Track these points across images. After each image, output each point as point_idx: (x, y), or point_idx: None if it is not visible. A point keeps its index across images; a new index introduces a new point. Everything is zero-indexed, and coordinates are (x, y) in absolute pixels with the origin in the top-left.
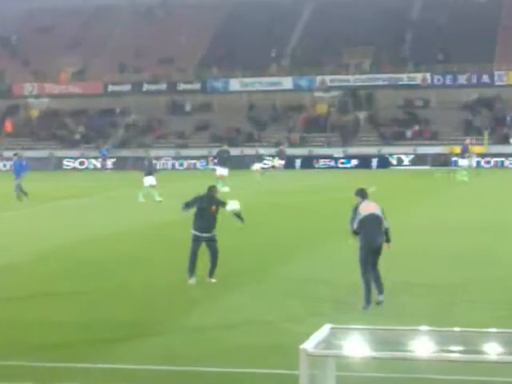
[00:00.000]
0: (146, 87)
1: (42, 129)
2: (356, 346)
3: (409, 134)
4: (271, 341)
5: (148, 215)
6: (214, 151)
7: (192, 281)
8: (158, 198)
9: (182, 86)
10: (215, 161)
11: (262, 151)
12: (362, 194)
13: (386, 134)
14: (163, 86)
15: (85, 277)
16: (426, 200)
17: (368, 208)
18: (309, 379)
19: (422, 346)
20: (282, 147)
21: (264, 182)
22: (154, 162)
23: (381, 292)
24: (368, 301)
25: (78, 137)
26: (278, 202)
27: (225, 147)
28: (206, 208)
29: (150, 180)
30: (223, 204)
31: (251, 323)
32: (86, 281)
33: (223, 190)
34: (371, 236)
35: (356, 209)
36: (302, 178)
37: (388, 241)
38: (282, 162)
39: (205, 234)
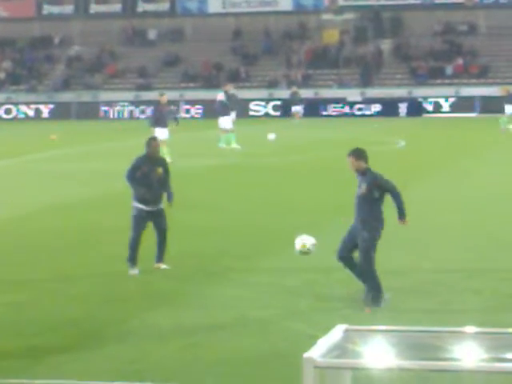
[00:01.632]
0: (93, 8)
1: None
2: (380, 353)
3: (449, 70)
4: (267, 345)
5: (95, 183)
6: (187, 93)
7: (134, 271)
8: (169, 160)
9: (142, 7)
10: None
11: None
12: (366, 156)
13: (419, 71)
14: (117, 7)
15: (11, 266)
16: (468, 161)
17: None
18: None
19: (468, 353)
20: (294, 89)
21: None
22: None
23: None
24: (381, 290)
25: (2, 76)
26: (270, 164)
27: (230, 88)
28: (149, 172)
29: (161, 133)
30: (167, 169)
31: (240, 322)
32: (13, 271)
33: (270, 138)
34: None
35: (379, 174)
36: (303, 129)
37: None
38: (300, 109)
39: (150, 208)
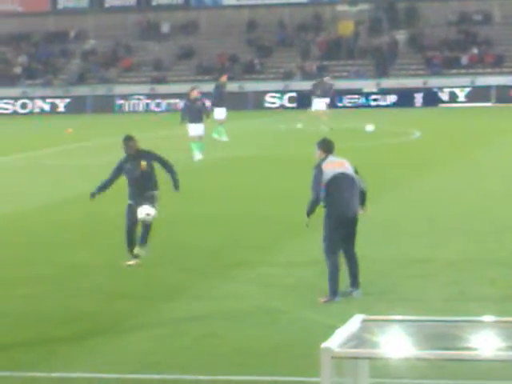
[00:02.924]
0: (108, 2)
1: None
2: (397, 343)
3: (464, 59)
4: (283, 336)
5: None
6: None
7: (131, 262)
8: (198, 157)
9: (157, 0)
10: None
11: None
12: (326, 146)
13: (434, 61)
14: (132, 0)
15: (23, 259)
16: (484, 151)
17: (335, 166)
18: None
19: (485, 342)
20: (325, 79)
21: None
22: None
23: (355, 284)
24: (334, 290)
25: (18, 70)
26: (283, 156)
27: (327, 78)
28: (133, 169)
29: (197, 129)
30: (157, 157)
31: (256, 313)
32: (27, 263)
33: (368, 129)
34: (342, 202)
35: (319, 168)
36: (319, 120)
37: (362, 204)
38: (327, 101)
39: (139, 198)
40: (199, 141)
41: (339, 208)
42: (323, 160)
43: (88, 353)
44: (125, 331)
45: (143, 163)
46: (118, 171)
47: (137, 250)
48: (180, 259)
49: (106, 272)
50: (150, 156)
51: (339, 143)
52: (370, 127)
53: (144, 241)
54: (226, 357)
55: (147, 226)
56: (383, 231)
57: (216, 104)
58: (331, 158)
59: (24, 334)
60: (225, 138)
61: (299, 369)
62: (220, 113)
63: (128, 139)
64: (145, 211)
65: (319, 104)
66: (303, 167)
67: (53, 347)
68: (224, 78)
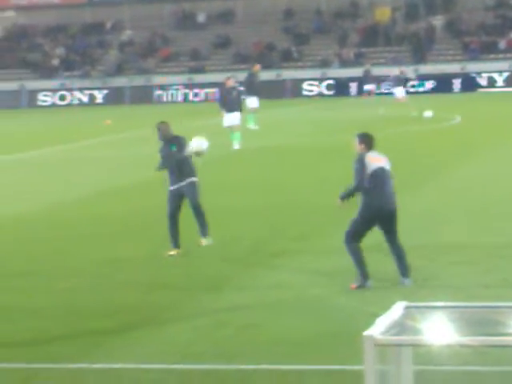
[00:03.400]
0: None
1: (6, 52)
2: (441, 329)
3: (503, 44)
4: (325, 324)
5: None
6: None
7: (173, 252)
8: (237, 146)
9: None
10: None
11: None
12: (368, 141)
13: (472, 46)
14: None
15: (64, 252)
16: None
17: (376, 160)
18: (377, 377)
19: None
20: (368, 66)
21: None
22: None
23: (405, 274)
24: (364, 274)
25: (56, 62)
26: (321, 144)
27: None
28: (167, 155)
29: (232, 119)
30: (182, 142)
31: (297, 302)
32: (67, 256)
33: (426, 115)
34: (383, 196)
35: (361, 160)
36: (358, 108)
37: None
38: (372, 87)
39: (177, 186)
40: (235, 130)
41: (379, 201)
42: (365, 154)
43: (130, 344)
44: (166, 322)
45: (174, 149)
46: (162, 159)
47: (204, 242)
48: (221, 249)
49: (148, 263)
50: (179, 141)
51: (379, 130)
52: (428, 113)
53: (205, 232)
54: (269, 346)
55: (201, 215)
56: (424, 218)
57: (247, 93)
58: (372, 153)
59: (66, 327)
60: (255, 126)
61: (342, 357)
62: (252, 102)
63: (160, 124)
64: (198, 143)
65: (400, 91)
66: (343, 155)
67: (95, 339)
68: (257, 68)
